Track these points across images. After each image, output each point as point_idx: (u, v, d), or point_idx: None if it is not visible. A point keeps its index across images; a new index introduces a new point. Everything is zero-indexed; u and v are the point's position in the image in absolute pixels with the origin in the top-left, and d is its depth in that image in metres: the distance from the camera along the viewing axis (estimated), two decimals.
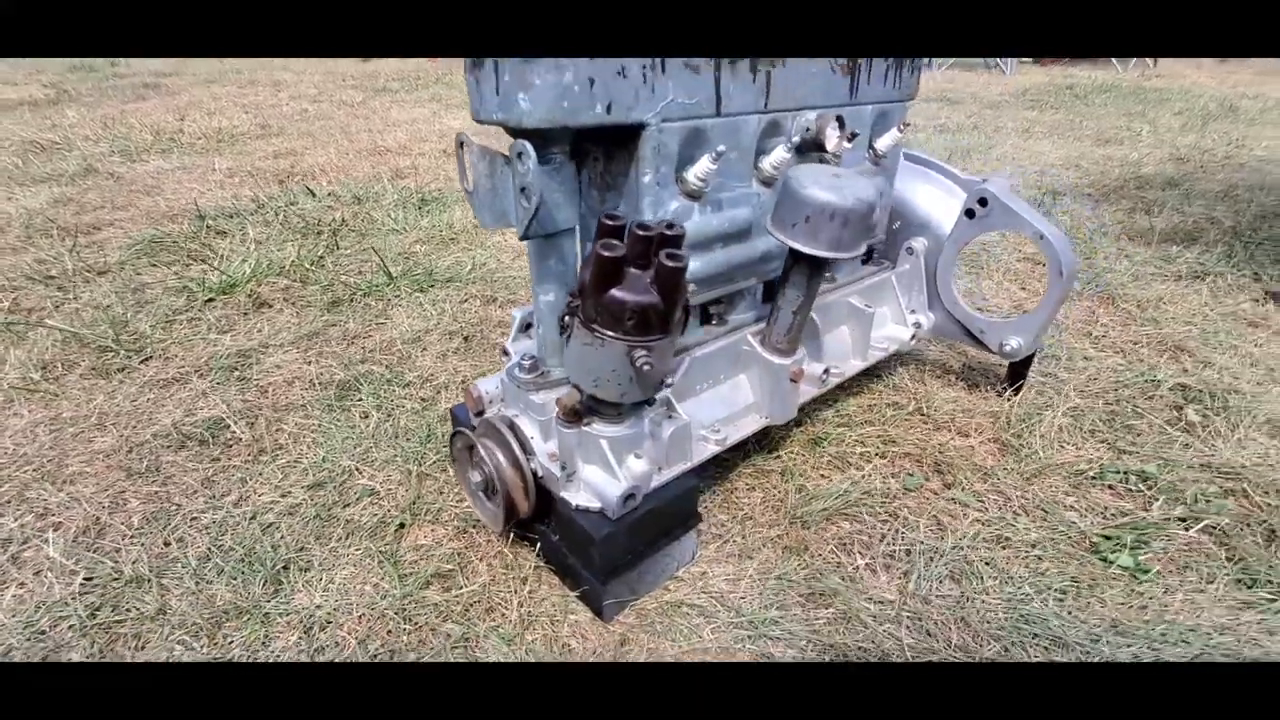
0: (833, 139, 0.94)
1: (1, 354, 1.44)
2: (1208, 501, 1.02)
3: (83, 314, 1.63)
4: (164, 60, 7.13)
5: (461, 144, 0.77)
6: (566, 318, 0.74)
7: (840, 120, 0.94)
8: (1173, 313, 1.63)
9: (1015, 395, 1.27)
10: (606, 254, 0.65)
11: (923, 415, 1.23)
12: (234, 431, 1.19)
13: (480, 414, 0.95)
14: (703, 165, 0.82)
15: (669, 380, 0.83)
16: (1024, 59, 7.38)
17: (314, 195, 2.59)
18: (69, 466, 1.12)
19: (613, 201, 0.85)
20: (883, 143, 1.11)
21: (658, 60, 0.74)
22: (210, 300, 1.70)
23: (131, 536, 0.97)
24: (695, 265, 0.89)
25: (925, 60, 6.71)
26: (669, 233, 0.69)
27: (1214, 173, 3.03)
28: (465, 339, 1.52)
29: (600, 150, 0.82)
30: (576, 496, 0.83)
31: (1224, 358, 1.42)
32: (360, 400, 1.27)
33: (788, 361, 0.95)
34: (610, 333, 0.69)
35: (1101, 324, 1.59)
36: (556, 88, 0.67)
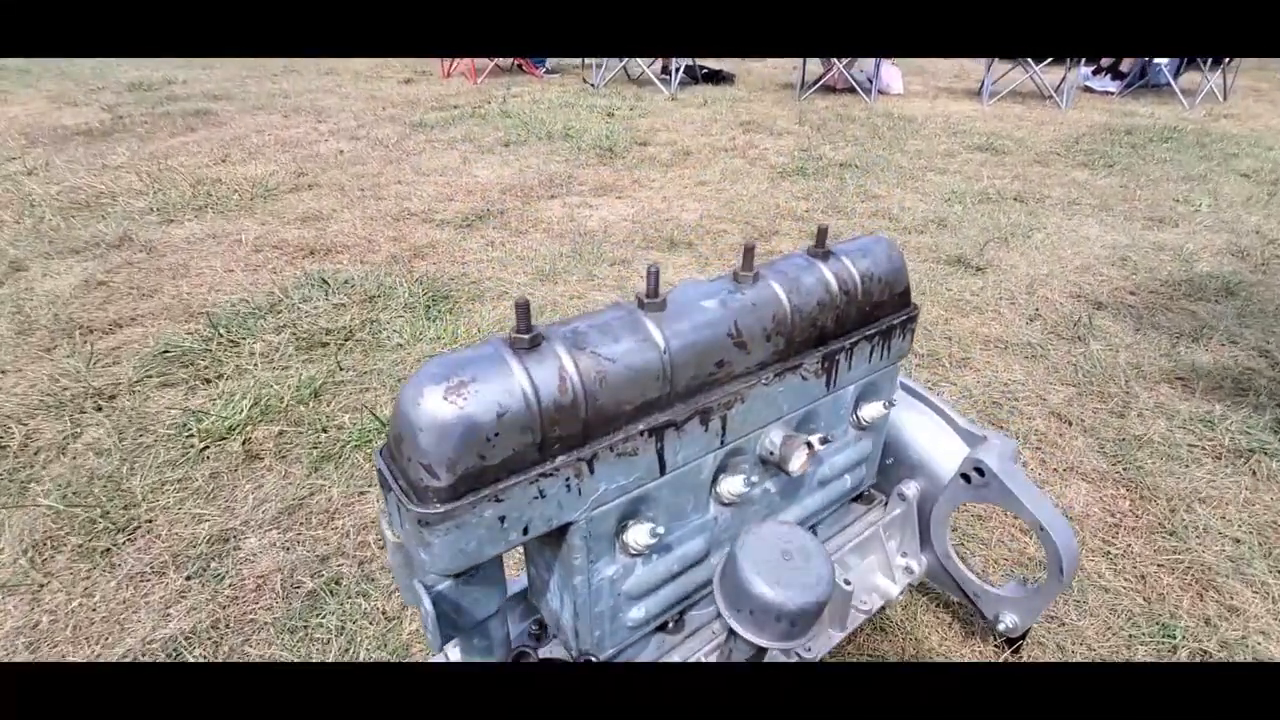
0: (798, 462, 0.86)
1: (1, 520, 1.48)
2: None
3: (81, 465, 1.66)
4: (216, 82, 7.31)
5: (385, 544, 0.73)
6: None
7: (810, 444, 0.87)
8: (1205, 518, 1.49)
9: (1013, 655, 1.18)
10: None
11: None
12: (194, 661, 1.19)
13: None
14: (641, 536, 0.76)
15: None
16: (1082, 87, 6.96)
17: (328, 287, 2.60)
18: None
19: (549, 558, 0.80)
20: (867, 413, 1.02)
21: (583, 463, 0.68)
22: (205, 449, 1.71)
23: None
24: (638, 613, 0.84)
25: (987, 83, 6.37)
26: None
27: (1277, 272, 2.79)
28: None
29: None
30: None
31: (1254, 601, 1.29)
32: (323, 620, 1.26)
33: None
34: None
35: (1125, 531, 1.47)
36: (454, 545, 0.61)
